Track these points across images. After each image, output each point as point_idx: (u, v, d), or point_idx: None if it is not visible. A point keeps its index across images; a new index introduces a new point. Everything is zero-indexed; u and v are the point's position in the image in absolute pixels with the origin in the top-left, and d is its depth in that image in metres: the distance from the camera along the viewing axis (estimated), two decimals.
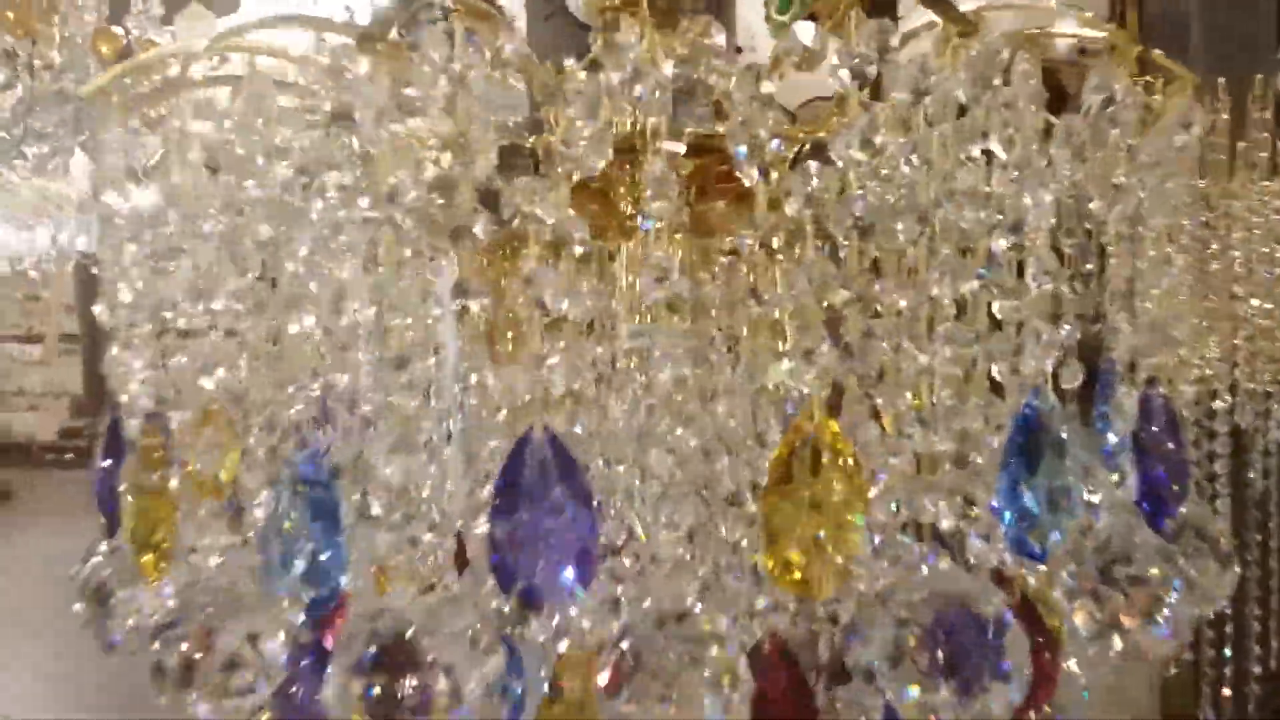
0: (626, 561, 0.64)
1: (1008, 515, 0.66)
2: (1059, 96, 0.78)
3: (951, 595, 0.62)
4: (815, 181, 0.59)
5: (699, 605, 0.59)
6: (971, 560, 0.77)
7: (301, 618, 0.62)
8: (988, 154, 0.72)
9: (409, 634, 0.57)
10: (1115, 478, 0.80)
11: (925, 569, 0.65)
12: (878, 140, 0.62)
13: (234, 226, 0.66)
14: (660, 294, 0.59)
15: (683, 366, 0.59)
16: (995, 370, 0.74)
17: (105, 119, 0.67)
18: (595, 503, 0.60)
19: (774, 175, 0.64)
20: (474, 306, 0.66)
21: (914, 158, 0.66)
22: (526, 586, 0.58)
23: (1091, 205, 0.79)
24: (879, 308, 0.73)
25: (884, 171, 0.64)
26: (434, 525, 0.60)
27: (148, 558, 0.70)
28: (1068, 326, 0.89)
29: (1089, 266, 0.83)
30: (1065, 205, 0.76)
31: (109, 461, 0.76)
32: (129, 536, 0.70)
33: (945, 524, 0.64)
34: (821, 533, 0.58)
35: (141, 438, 0.71)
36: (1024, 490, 0.66)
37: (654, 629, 0.58)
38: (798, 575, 0.59)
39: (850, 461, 0.60)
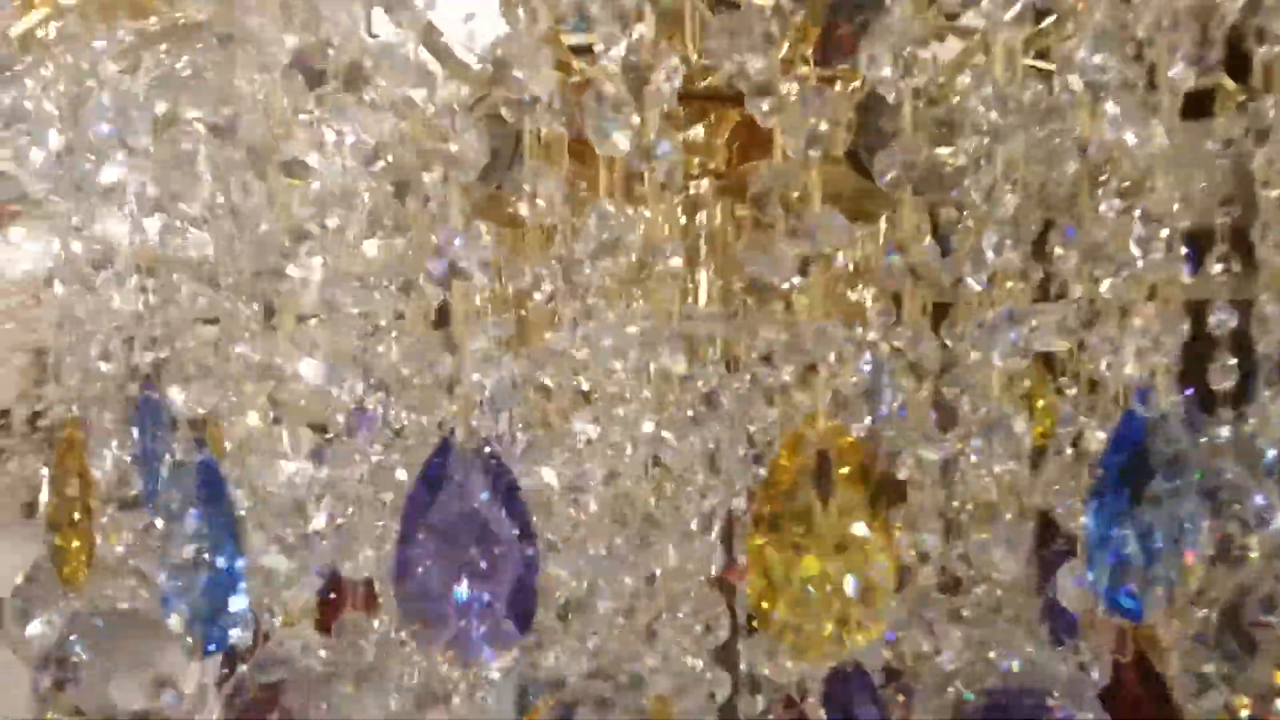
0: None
1: (1099, 557, 0.50)
2: None
3: (1015, 673, 0.47)
4: (826, 113, 0.44)
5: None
6: (1066, 606, 0.61)
7: (202, 653, 0.51)
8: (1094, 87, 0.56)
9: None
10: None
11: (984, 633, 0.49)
12: (921, 58, 0.46)
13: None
14: (600, 264, 0.46)
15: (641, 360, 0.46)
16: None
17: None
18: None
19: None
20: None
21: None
22: (439, 628, 0.45)
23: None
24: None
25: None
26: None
27: (69, 568, 0.61)
28: (1222, 315, 0.73)
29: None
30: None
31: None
32: (46, 544, 0.60)
33: (1004, 567, 0.48)
34: (827, 584, 0.44)
35: (65, 430, 0.61)
36: (1122, 526, 0.49)
37: (595, 700, 0.44)
38: (795, 638, 0.44)
39: (872, 487, 0.45)
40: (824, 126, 0.42)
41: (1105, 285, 0.57)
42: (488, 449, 0.46)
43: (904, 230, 0.53)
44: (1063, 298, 0.65)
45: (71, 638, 0.54)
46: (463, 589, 0.45)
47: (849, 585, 0.44)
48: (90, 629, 0.54)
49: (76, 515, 0.60)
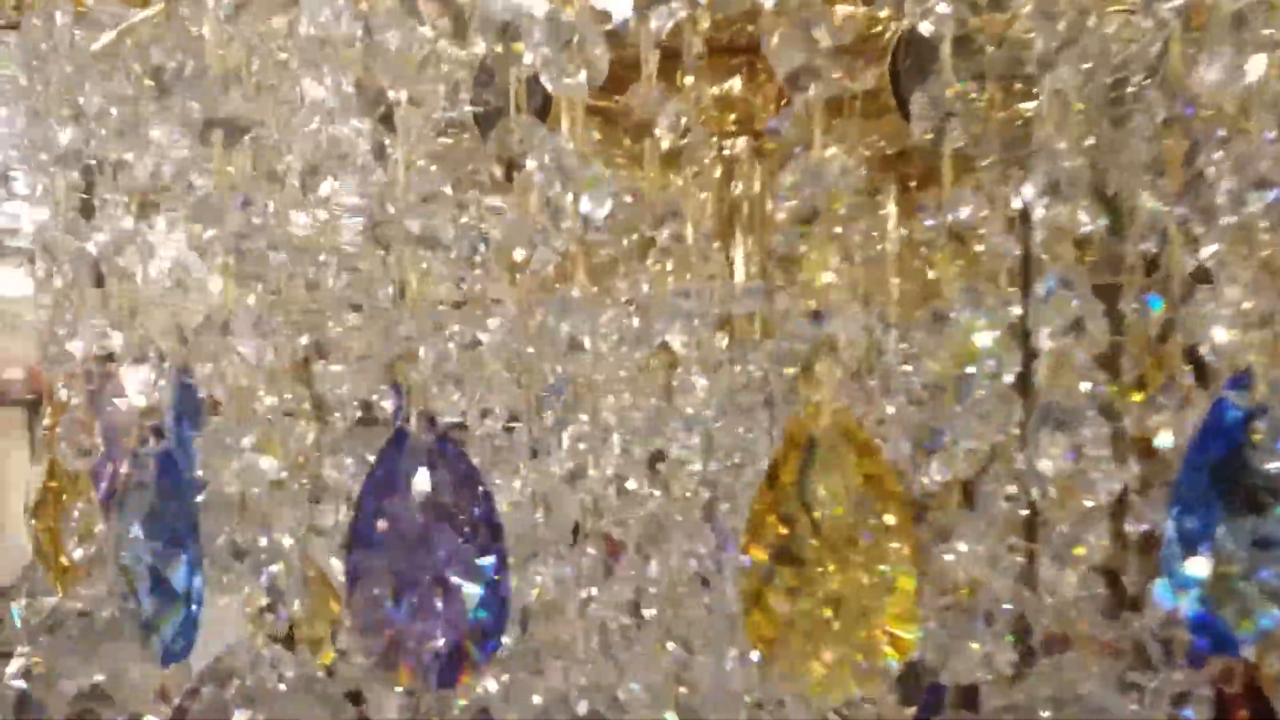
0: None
1: (1183, 575, 0.41)
2: None
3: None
4: (824, 40, 0.36)
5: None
6: (1156, 630, 0.52)
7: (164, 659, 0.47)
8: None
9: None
10: None
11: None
12: None
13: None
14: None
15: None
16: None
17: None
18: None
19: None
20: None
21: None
22: (399, 653, 0.40)
23: None
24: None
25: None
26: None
27: (57, 562, 0.57)
28: None
29: None
30: None
31: None
32: (31, 535, 0.57)
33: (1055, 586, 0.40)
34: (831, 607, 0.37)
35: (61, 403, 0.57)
36: (1209, 538, 0.41)
37: None
38: (789, 671, 0.37)
39: (889, 489, 0.37)
40: (803, 61, 0.35)
41: (1206, 251, 0.48)
42: (447, 441, 0.40)
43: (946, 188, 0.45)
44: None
45: (41, 639, 0.51)
46: (411, 605, 0.39)
47: (861, 606, 0.37)
48: (60, 630, 0.51)
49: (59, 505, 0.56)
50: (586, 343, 0.41)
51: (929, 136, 0.44)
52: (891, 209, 0.79)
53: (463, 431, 0.56)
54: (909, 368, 0.61)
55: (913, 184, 0.81)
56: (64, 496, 0.56)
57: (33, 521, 0.56)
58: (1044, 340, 0.37)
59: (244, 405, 0.43)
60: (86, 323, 0.51)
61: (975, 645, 0.44)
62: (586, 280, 0.42)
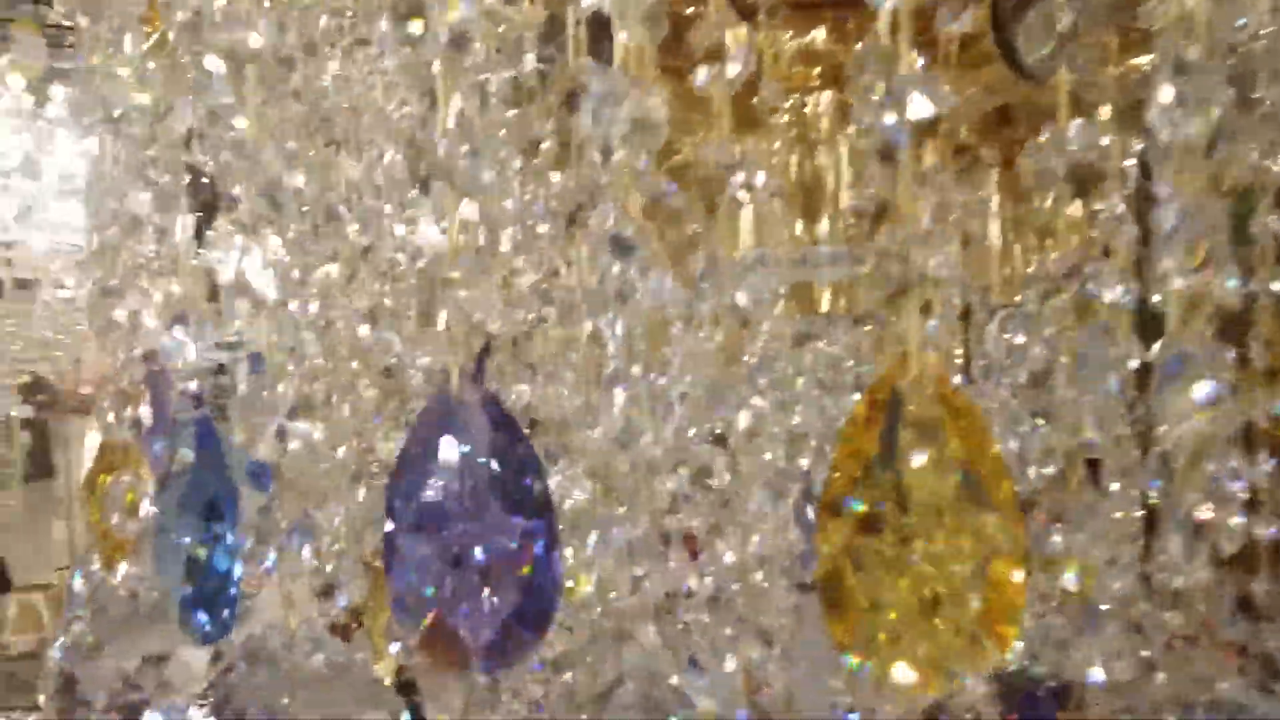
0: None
1: None
2: None
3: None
4: None
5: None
6: None
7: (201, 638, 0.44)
8: None
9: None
10: None
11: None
12: None
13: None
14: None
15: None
16: None
17: None
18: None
19: None
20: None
21: None
22: (442, 635, 0.36)
23: None
24: None
25: None
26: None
27: (109, 536, 0.55)
28: None
29: None
30: None
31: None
32: (86, 506, 0.55)
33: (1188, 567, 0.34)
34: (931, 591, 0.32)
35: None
36: None
37: None
38: (882, 668, 0.33)
39: (990, 457, 0.32)
40: None
41: None
42: (494, 404, 0.37)
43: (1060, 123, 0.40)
44: None
45: (84, 615, 0.49)
46: (454, 583, 0.35)
47: (957, 596, 0.32)
48: (101, 608, 0.49)
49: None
50: (638, 285, 0.37)
51: (1042, 66, 0.39)
52: (993, 179, 0.73)
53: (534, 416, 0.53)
54: (1012, 361, 0.56)
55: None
56: (113, 470, 0.54)
57: (88, 496, 0.54)
58: (1170, 280, 0.32)
59: (280, 369, 0.39)
60: (134, 287, 0.49)
61: (1091, 645, 0.39)
62: (639, 217, 0.38)
